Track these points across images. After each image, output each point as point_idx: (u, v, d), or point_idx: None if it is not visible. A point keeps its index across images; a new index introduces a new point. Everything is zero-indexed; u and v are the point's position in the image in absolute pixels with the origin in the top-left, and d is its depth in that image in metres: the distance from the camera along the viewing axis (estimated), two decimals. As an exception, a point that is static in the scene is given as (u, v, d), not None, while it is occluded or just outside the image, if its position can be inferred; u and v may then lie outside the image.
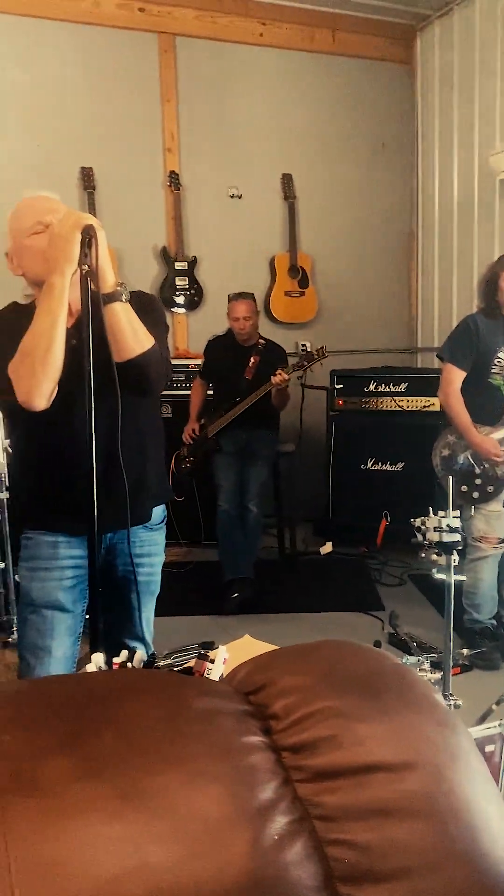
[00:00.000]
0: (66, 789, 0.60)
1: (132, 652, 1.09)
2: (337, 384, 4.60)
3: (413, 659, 2.07)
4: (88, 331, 1.46)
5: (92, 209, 4.49)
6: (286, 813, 0.66)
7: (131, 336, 1.56)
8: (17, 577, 3.25)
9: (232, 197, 5.02)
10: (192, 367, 4.45)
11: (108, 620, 1.75)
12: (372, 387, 4.52)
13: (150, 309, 1.69)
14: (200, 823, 0.63)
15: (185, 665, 1.09)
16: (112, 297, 1.53)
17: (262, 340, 4.09)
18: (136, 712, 0.69)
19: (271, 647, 1.16)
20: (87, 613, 1.82)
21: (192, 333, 4.94)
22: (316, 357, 3.78)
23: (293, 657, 0.82)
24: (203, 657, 1.04)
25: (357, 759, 0.71)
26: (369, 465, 4.50)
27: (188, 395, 4.27)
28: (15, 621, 3.18)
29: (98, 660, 1.08)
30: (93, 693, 0.73)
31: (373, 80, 5.29)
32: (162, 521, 1.90)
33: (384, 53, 5.30)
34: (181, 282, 4.86)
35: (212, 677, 1.00)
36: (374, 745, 0.72)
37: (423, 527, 1.91)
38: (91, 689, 0.74)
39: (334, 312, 5.25)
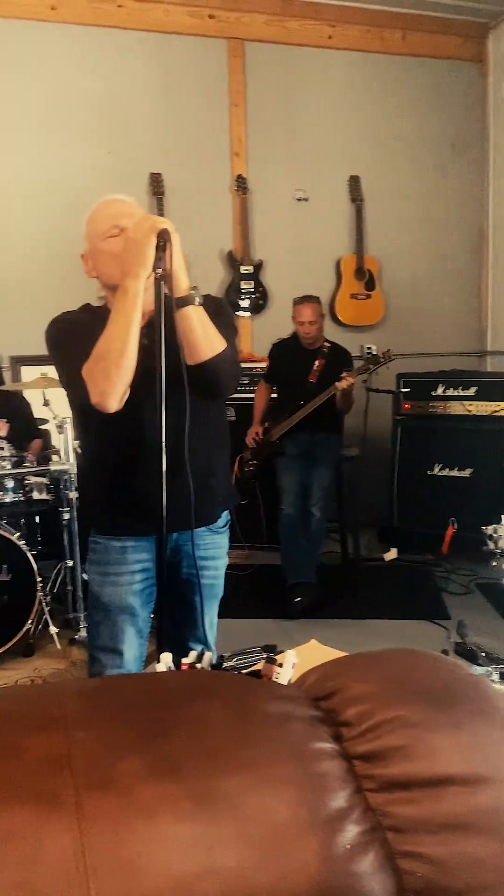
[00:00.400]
0: (140, 788, 0.60)
1: (201, 653, 1.10)
2: (403, 388, 4.54)
3: (481, 669, 2.03)
4: (161, 334, 1.48)
5: (161, 214, 4.56)
6: (358, 822, 0.65)
7: (203, 339, 1.57)
8: (84, 575, 3.32)
9: (298, 200, 5.02)
10: (257, 371, 4.46)
11: (173, 622, 1.77)
12: (440, 391, 4.44)
13: (220, 312, 1.70)
14: (271, 828, 0.62)
15: (253, 668, 1.09)
16: (185, 301, 1.55)
17: (327, 343, 4.07)
18: (208, 714, 0.69)
19: (339, 654, 1.15)
20: (152, 614, 1.84)
21: (256, 337, 4.95)
22: (382, 360, 3.74)
23: (365, 664, 0.80)
24: (271, 661, 1.03)
25: (429, 770, 0.69)
26: (436, 470, 4.42)
27: (252, 398, 4.28)
28: (82, 618, 3.24)
29: (167, 660, 1.09)
30: (165, 693, 0.73)
31: (443, 79, 5.21)
32: (226, 525, 1.90)
33: (455, 52, 5.21)
34: (246, 285, 4.88)
35: (280, 681, 1.00)
36: (446, 758, 0.70)
37: (494, 535, 1.87)
38: (163, 688, 0.75)
39: (401, 315, 5.19)
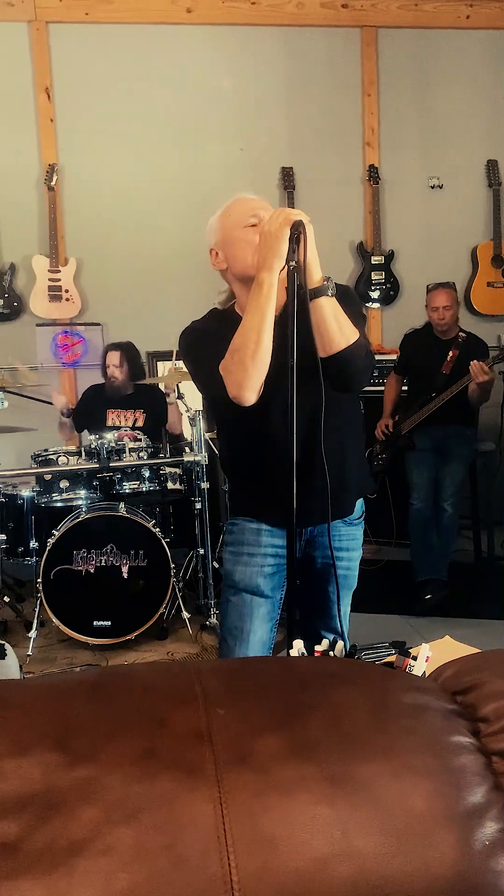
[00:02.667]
0: (279, 767, 0.62)
1: (333, 641, 1.11)
2: (542, 379, 4.32)
3: None
4: (293, 326, 1.49)
5: (292, 207, 4.57)
6: (497, 819, 0.63)
7: (336, 330, 1.57)
8: (214, 563, 3.41)
9: (432, 188, 4.89)
10: (387, 363, 4.39)
11: (305, 611, 1.78)
12: None
13: (349, 301, 1.69)
14: (407, 817, 0.62)
15: (386, 659, 1.08)
16: (318, 292, 1.55)
17: (462, 334, 3.94)
18: (344, 700, 0.70)
19: (473, 650, 1.12)
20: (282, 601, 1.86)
21: (386, 328, 4.88)
22: (520, 350, 3.57)
23: (504, 660, 0.78)
24: (405, 653, 1.02)
25: None
26: None
27: (381, 391, 4.22)
28: (213, 605, 3.33)
29: (299, 646, 1.10)
30: (300, 677, 0.74)
31: None
32: (361, 517, 1.89)
33: None
34: (377, 276, 4.82)
35: (415, 674, 0.99)
36: None
37: None
38: (298, 672, 0.76)
39: (541, 303, 4.94)
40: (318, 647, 1.10)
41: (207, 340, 1.70)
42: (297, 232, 1.49)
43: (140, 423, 3.80)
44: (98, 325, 4.54)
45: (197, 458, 3.32)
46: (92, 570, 3.14)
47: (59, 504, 3.30)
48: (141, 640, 3.22)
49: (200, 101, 4.65)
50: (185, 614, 3.34)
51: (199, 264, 4.37)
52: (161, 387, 3.84)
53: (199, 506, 3.40)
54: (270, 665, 0.82)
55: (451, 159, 4.88)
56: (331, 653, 1.09)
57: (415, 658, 1.03)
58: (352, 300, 1.75)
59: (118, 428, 3.62)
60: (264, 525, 1.78)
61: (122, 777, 0.60)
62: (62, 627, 3.12)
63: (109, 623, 3.14)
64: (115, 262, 4.57)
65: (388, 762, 0.64)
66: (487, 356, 3.78)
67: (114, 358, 3.82)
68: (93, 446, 3.24)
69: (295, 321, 1.51)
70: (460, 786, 0.65)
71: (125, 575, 3.16)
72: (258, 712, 0.67)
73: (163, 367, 4.53)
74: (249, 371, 1.56)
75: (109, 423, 3.80)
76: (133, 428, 3.69)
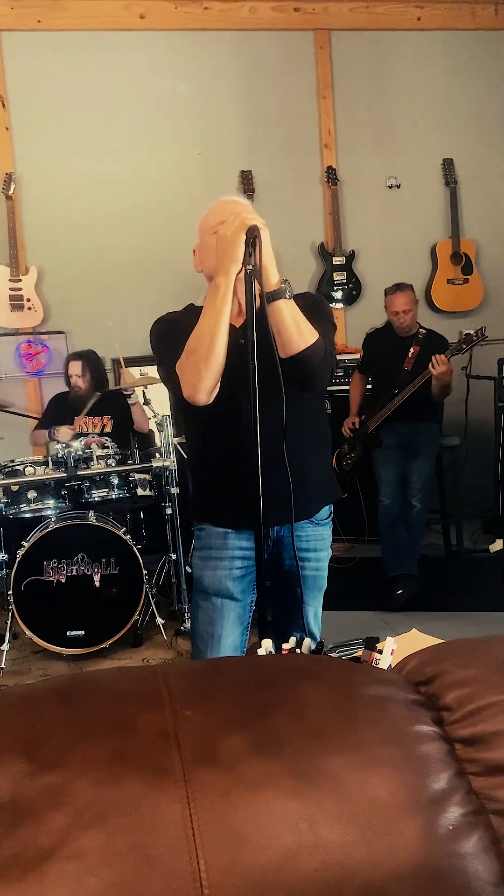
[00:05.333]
0: (245, 764, 0.63)
1: (300, 639, 1.12)
2: (505, 373, 4.40)
3: None
4: (252, 328, 1.50)
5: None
6: (461, 805, 0.65)
7: (295, 332, 1.59)
8: (188, 568, 3.41)
9: (390, 187, 4.94)
10: (351, 363, 4.43)
11: (277, 612, 1.79)
12: (543, 375, 4.28)
13: (317, 308, 1.72)
14: (372, 807, 0.63)
15: (353, 654, 1.10)
16: (276, 295, 1.57)
17: (422, 330, 3.99)
18: (309, 695, 0.71)
19: (439, 642, 1.14)
20: (254, 604, 1.87)
21: (350, 328, 4.92)
22: (475, 339, 3.61)
23: (465, 649, 0.80)
24: (371, 647, 1.04)
25: (536, 756, 0.68)
26: (542, 458, 4.27)
27: (347, 390, 4.26)
28: (186, 610, 3.33)
29: (268, 645, 1.11)
30: (267, 674, 0.75)
31: (540, 51, 4.99)
32: (328, 517, 1.91)
33: (552, 21, 4.98)
34: (339, 277, 4.85)
35: (380, 667, 1.00)
36: (553, 744, 0.69)
37: None
38: (265, 670, 0.77)
39: (501, 298, 5.02)
40: (285, 646, 1.11)
41: (175, 335, 1.70)
42: (252, 236, 1.50)
43: (108, 430, 3.79)
44: (62, 332, 4.51)
45: (166, 464, 3.32)
46: (63, 580, 3.12)
47: (27, 515, 3.26)
48: (116, 649, 3.21)
49: (157, 106, 4.64)
50: (160, 620, 3.33)
51: (161, 269, 4.41)
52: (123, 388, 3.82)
53: (169, 511, 3.39)
54: (236, 665, 0.83)
55: (407, 159, 4.94)
56: (297, 650, 1.10)
57: (380, 652, 1.05)
58: (321, 309, 1.78)
59: (86, 435, 3.60)
60: (230, 528, 1.79)
61: (90, 782, 0.61)
62: (35, 639, 3.09)
63: (83, 632, 3.12)
64: (77, 270, 4.54)
65: (353, 754, 0.66)
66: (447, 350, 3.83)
67: (76, 367, 3.81)
68: (60, 455, 3.22)
69: (254, 323, 1.52)
70: (424, 773, 0.66)
71: (97, 583, 3.15)
72: (224, 711, 0.68)
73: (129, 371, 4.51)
74: (202, 373, 1.58)
75: (77, 430, 3.78)
76: (101, 434, 3.67)
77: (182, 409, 1.78)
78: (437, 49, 4.91)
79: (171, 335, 1.72)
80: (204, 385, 1.60)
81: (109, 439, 3.47)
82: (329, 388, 1.80)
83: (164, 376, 1.73)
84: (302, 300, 1.65)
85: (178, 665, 1.31)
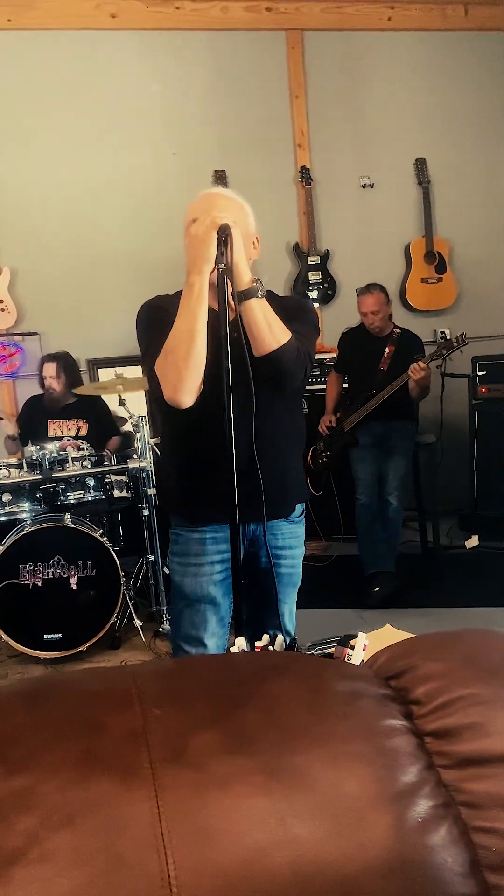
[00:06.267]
0: (215, 762, 0.63)
1: (273, 636, 1.12)
2: (479, 371, 4.43)
3: None
4: (226, 327, 1.50)
5: (226, 211, 4.58)
6: (430, 797, 0.66)
7: (267, 331, 1.59)
8: (165, 569, 3.40)
9: (364, 187, 4.97)
10: (328, 362, 4.45)
11: (252, 610, 1.79)
12: (517, 373, 4.32)
13: (297, 311, 1.72)
14: (343, 801, 0.64)
15: (326, 651, 1.10)
16: (248, 294, 1.57)
17: (396, 329, 4.02)
18: (280, 691, 0.71)
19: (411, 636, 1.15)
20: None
21: (325, 328, 4.93)
22: (455, 345, 3.65)
23: (435, 643, 0.81)
24: (343, 643, 1.04)
25: (504, 747, 0.69)
26: (516, 454, 4.31)
27: (324, 389, 4.27)
28: (165, 611, 3.32)
29: (241, 643, 1.11)
30: (238, 672, 0.75)
31: (510, 52, 5.04)
32: (302, 514, 1.91)
33: (522, 23, 5.03)
34: (314, 276, 4.87)
35: (352, 663, 1.01)
36: (522, 735, 0.70)
37: None
38: (236, 668, 0.77)
39: (475, 297, 5.06)
40: (258, 643, 1.11)
41: (161, 326, 1.64)
42: (223, 235, 1.50)
43: (83, 433, 3.76)
44: (36, 334, 4.48)
45: (143, 465, 3.30)
46: (40, 584, 3.10)
47: (2, 518, 3.23)
48: (94, 651, 3.19)
49: (130, 106, 4.62)
50: (138, 622, 3.31)
51: (135, 268, 4.39)
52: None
53: (146, 512, 3.38)
54: (207, 663, 0.83)
55: (380, 159, 4.97)
56: (270, 647, 1.10)
57: (353, 647, 1.05)
58: (300, 310, 1.78)
59: (60, 438, 3.58)
60: (208, 533, 1.78)
61: (58, 783, 0.60)
62: (12, 643, 3.07)
63: (60, 636, 3.10)
64: (51, 270, 4.51)
65: (324, 749, 0.66)
66: (422, 350, 3.86)
67: (50, 369, 3.78)
68: (34, 458, 3.19)
69: (227, 322, 1.52)
70: (393, 767, 0.67)
71: (74, 586, 3.13)
72: (194, 709, 0.68)
73: (104, 374, 4.49)
74: (183, 374, 1.56)
75: (51, 433, 3.75)
76: (76, 437, 3.65)
77: (159, 406, 1.76)
78: (409, 49, 4.95)
79: (158, 326, 1.66)
80: (187, 386, 1.58)
81: (85, 442, 3.45)
82: (306, 388, 1.80)
83: (148, 372, 1.69)
84: (286, 302, 1.65)
85: (148, 664, 1.31)
